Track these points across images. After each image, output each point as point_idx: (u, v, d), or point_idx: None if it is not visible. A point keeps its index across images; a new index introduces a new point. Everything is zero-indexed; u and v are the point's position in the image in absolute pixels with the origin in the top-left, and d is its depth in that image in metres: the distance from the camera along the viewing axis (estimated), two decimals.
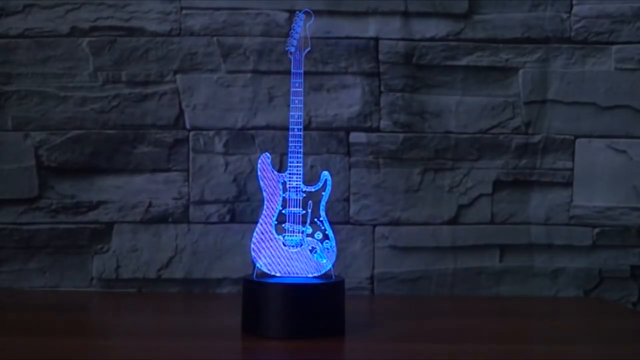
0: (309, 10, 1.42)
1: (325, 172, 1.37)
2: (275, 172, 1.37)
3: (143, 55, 1.72)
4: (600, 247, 1.73)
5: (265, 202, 1.36)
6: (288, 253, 1.34)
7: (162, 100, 1.72)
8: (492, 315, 1.53)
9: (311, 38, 1.41)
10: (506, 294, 1.73)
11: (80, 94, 1.71)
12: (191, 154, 1.72)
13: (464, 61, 1.73)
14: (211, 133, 1.72)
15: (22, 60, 1.71)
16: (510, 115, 1.74)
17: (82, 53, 1.71)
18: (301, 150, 1.36)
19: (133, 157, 1.72)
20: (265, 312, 1.28)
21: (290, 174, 1.36)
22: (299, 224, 1.35)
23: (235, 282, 1.71)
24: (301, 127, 1.36)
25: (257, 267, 1.34)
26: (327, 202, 1.36)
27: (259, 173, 1.37)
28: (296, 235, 1.34)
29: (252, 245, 1.35)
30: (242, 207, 1.72)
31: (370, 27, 1.72)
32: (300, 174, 1.36)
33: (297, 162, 1.36)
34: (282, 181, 1.36)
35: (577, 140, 1.74)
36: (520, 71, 1.73)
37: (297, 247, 1.34)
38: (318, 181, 1.37)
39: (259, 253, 1.34)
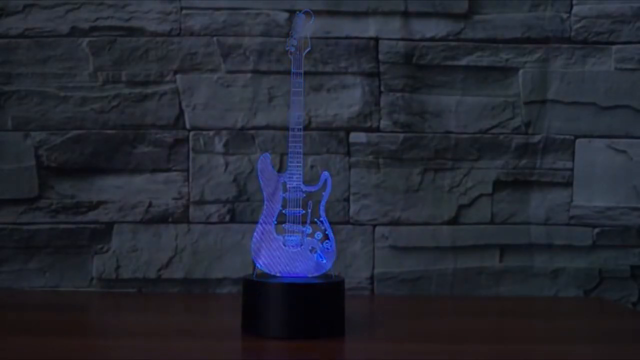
0: (309, 10, 1.42)
1: (326, 172, 1.37)
2: (275, 172, 1.37)
3: (143, 55, 1.72)
4: (600, 247, 1.73)
5: (265, 202, 1.36)
6: (288, 253, 1.34)
7: (162, 100, 1.72)
8: (492, 315, 1.53)
9: (311, 38, 1.41)
10: (506, 294, 1.73)
11: (80, 94, 1.72)
12: (191, 154, 1.72)
13: (464, 61, 1.73)
14: (211, 133, 1.72)
15: (22, 60, 1.71)
16: (510, 115, 1.74)
17: (82, 53, 1.71)
18: (301, 150, 1.36)
19: (133, 157, 1.72)
20: (265, 312, 1.28)
21: (290, 174, 1.36)
22: (299, 224, 1.35)
23: (235, 282, 1.71)
24: (301, 127, 1.36)
25: (257, 267, 1.34)
26: (327, 202, 1.36)
27: (259, 173, 1.37)
28: (296, 235, 1.34)
29: (252, 245, 1.35)
30: (242, 207, 1.72)
31: (370, 27, 1.72)
32: (300, 174, 1.36)
33: (297, 162, 1.36)
34: (282, 181, 1.36)
35: (577, 141, 1.74)
36: (520, 71, 1.73)
37: (297, 247, 1.34)
38: (318, 181, 1.37)
39: (258, 253, 1.34)
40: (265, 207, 1.36)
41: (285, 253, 1.34)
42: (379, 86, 1.73)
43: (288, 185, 1.36)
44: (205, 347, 1.21)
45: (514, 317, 1.51)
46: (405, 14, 1.72)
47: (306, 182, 1.37)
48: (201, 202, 1.72)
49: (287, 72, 1.43)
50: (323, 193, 1.36)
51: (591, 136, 1.74)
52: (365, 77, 1.73)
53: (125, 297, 1.69)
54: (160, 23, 1.71)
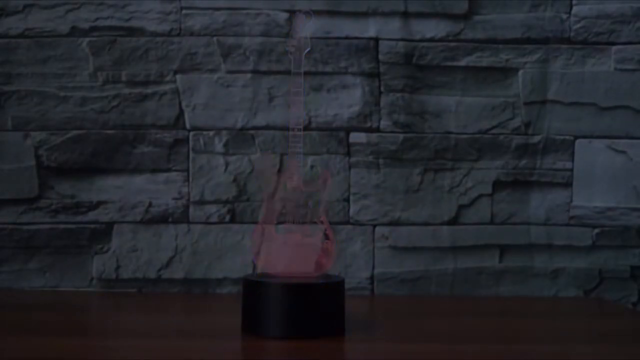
0: (309, 11, 1.42)
1: (326, 172, 1.37)
2: (276, 172, 1.37)
3: (143, 55, 1.72)
4: (600, 247, 1.73)
5: (265, 202, 1.36)
6: (288, 253, 1.34)
7: (162, 100, 1.72)
8: (492, 315, 1.53)
9: (311, 38, 1.41)
10: (506, 294, 1.73)
11: (80, 94, 1.72)
12: (191, 154, 1.72)
13: (463, 61, 1.73)
14: (211, 133, 1.72)
15: (22, 60, 1.71)
16: (510, 115, 1.74)
17: (82, 53, 1.71)
18: (301, 150, 1.36)
19: (133, 157, 1.72)
20: (265, 312, 1.27)
21: (290, 174, 1.36)
22: (298, 224, 1.35)
23: (235, 282, 1.71)
24: (301, 127, 1.36)
25: (257, 267, 1.34)
26: (327, 202, 1.36)
27: (258, 173, 1.37)
28: (296, 235, 1.34)
29: (252, 246, 1.35)
30: (242, 207, 1.72)
31: (370, 28, 1.72)
32: (300, 174, 1.36)
33: (297, 162, 1.36)
34: (282, 181, 1.36)
35: (577, 141, 1.74)
36: (520, 72, 1.73)
37: (297, 247, 1.34)
38: (318, 181, 1.37)
39: (259, 253, 1.34)
40: (265, 207, 1.36)
41: (285, 253, 1.34)
42: (379, 86, 1.73)
43: (288, 186, 1.36)
44: (205, 347, 1.21)
45: (514, 317, 1.51)
46: (405, 14, 1.72)
47: (306, 182, 1.37)
48: (201, 202, 1.72)
49: (287, 72, 1.43)
50: (323, 193, 1.36)
51: (591, 137, 1.74)
52: (365, 78, 1.73)
53: (125, 297, 1.69)
54: (160, 23, 1.71)
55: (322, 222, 1.35)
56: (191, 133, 1.72)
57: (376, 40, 1.72)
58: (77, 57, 1.72)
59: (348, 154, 1.73)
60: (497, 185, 1.74)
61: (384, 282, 1.72)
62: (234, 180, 1.72)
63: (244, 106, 1.72)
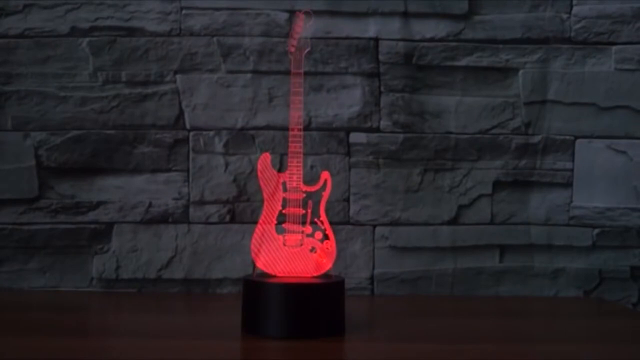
0: (309, 11, 1.42)
1: (326, 172, 1.37)
2: (276, 172, 1.37)
3: (143, 55, 1.72)
4: (600, 247, 1.73)
5: (265, 202, 1.37)
6: (288, 253, 1.34)
7: (162, 100, 1.72)
8: (492, 315, 1.53)
9: (311, 38, 1.41)
10: (506, 294, 1.73)
11: (80, 94, 1.71)
12: (191, 154, 1.72)
13: (463, 62, 1.73)
14: (211, 133, 1.72)
15: (22, 60, 1.71)
16: (510, 115, 1.74)
17: (82, 53, 1.71)
18: (301, 150, 1.36)
19: (133, 157, 1.72)
20: (265, 312, 1.27)
21: (290, 174, 1.36)
22: (299, 224, 1.35)
23: (235, 282, 1.71)
24: (301, 127, 1.36)
25: (257, 267, 1.34)
26: (327, 202, 1.36)
27: (258, 173, 1.38)
28: (296, 236, 1.34)
29: (252, 245, 1.35)
30: (242, 207, 1.72)
31: (371, 28, 1.72)
32: (300, 174, 1.36)
33: (297, 162, 1.36)
34: (282, 181, 1.37)
35: (577, 141, 1.74)
36: (520, 72, 1.73)
37: (297, 247, 1.34)
38: (318, 181, 1.37)
39: (258, 253, 1.35)
40: (265, 207, 1.36)
41: (285, 253, 1.34)
42: (379, 86, 1.73)
43: (288, 186, 1.36)
44: (205, 347, 1.21)
45: (514, 317, 1.51)
46: (405, 15, 1.72)
47: (306, 182, 1.37)
48: (201, 202, 1.72)
49: (287, 72, 1.43)
50: (323, 193, 1.36)
51: (591, 137, 1.74)
52: (366, 78, 1.73)
53: (125, 297, 1.69)
54: (160, 23, 1.71)
55: (322, 222, 1.35)
56: (191, 133, 1.72)
57: (376, 40, 1.72)
58: (77, 57, 1.72)
59: (348, 154, 1.73)
60: (497, 185, 1.74)
61: (384, 282, 1.72)
62: (234, 180, 1.72)
63: (244, 106, 1.72)
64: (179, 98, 1.72)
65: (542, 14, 1.73)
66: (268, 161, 1.38)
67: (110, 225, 1.72)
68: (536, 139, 1.74)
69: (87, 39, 1.71)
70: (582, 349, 1.26)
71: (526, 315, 1.55)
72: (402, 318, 1.47)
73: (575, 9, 1.73)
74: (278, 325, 1.27)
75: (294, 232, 1.35)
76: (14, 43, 1.71)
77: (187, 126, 1.72)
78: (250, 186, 1.71)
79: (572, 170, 1.74)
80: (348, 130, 1.73)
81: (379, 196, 1.73)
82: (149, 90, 1.72)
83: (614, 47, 1.73)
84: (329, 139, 1.73)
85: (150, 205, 1.72)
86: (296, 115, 1.37)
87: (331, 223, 1.36)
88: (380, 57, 1.72)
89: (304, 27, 1.42)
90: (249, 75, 1.72)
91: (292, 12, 1.70)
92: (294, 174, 1.36)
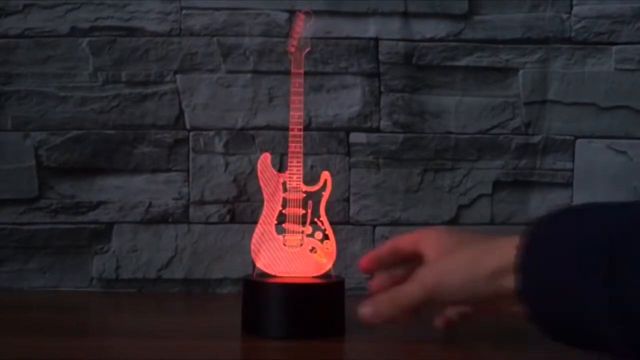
0: (309, 11, 1.42)
1: (326, 172, 1.37)
2: (275, 172, 1.37)
3: (143, 55, 1.72)
4: None
5: (265, 202, 1.37)
6: (288, 253, 1.34)
7: (162, 100, 1.72)
8: (491, 315, 1.52)
9: (311, 38, 1.41)
10: None
11: (80, 94, 1.71)
12: (191, 154, 1.72)
13: (463, 62, 1.73)
14: (211, 133, 1.72)
15: (22, 60, 1.71)
16: (510, 115, 1.74)
17: (82, 53, 1.71)
18: (301, 150, 1.36)
19: (133, 157, 1.72)
20: (265, 312, 1.28)
21: (290, 174, 1.36)
22: (298, 224, 1.35)
23: (235, 282, 1.71)
24: (301, 127, 1.36)
25: (257, 268, 1.34)
26: (327, 202, 1.36)
27: (258, 173, 1.38)
28: (296, 235, 1.34)
29: (252, 246, 1.35)
30: (242, 208, 1.72)
31: (371, 28, 1.72)
32: (300, 174, 1.36)
33: (297, 162, 1.36)
34: (282, 181, 1.37)
35: (577, 141, 1.74)
36: (520, 72, 1.73)
37: (297, 247, 1.34)
38: (318, 181, 1.37)
39: (258, 253, 1.35)
40: (265, 207, 1.36)
41: (285, 253, 1.34)
42: (379, 86, 1.73)
43: (288, 186, 1.36)
44: (205, 347, 1.21)
45: (513, 317, 1.51)
46: (405, 15, 1.72)
47: (306, 182, 1.37)
48: (201, 203, 1.72)
49: (287, 72, 1.43)
50: (323, 193, 1.36)
51: (591, 137, 1.74)
52: (365, 78, 1.73)
53: (125, 297, 1.69)
54: (160, 23, 1.71)
55: (322, 222, 1.35)
56: (191, 133, 1.72)
57: (376, 40, 1.72)
58: (77, 57, 1.72)
59: (348, 154, 1.73)
60: (497, 185, 1.74)
61: None
62: (234, 180, 1.72)
63: (244, 106, 1.72)
64: (179, 98, 1.72)
65: (542, 14, 1.73)
66: (268, 161, 1.38)
67: (110, 225, 1.72)
68: (536, 139, 1.74)
69: (87, 39, 1.71)
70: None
71: None
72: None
73: (575, 9, 1.73)
74: (278, 325, 1.27)
75: (294, 232, 1.35)
76: (14, 43, 1.71)
77: (187, 126, 1.72)
78: (250, 186, 1.71)
79: (572, 170, 1.74)
80: (348, 130, 1.73)
81: (379, 196, 1.73)
82: (149, 90, 1.72)
83: (614, 47, 1.73)
84: (329, 139, 1.73)
85: (150, 205, 1.72)
86: (296, 115, 1.37)
87: (331, 223, 1.36)
88: (380, 57, 1.72)
89: (303, 27, 1.42)
90: (249, 75, 1.72)
91: (292, 12, 1.70)
92: (294, 174, 1.36)
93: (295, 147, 1.36)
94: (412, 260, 1.21)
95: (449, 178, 1.74)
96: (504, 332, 1.38)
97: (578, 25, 1.73)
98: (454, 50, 1.73)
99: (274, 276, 1.34)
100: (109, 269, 1.72)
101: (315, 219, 1.35)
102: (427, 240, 1.20)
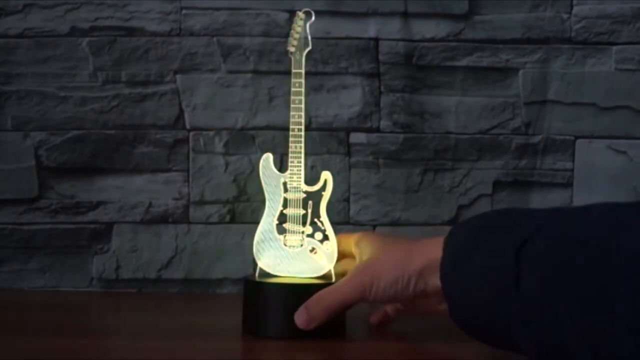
0: (309, 10, 1.42)
1: (326, 172, 1.37)
2: (277, 172, 1.37)
3: (143, 55, 1.72)
4: None
5: (267, 202, 1.37)
6: (289, 253, 1.34)
7: (162, 100, 1.72)
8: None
9: (312, 38, 1.41)
10: None
11: (80, 94, 1.71)
12: (191, 154, 1.72)
13: (463, 62, 1.73)
14: (211, 133, 1.72)
15: (22, 60, 1.71)
16: (510, 115, 1.74)
17: (82, 53, 1.71)
18: (302, 150, 1.36)
19: (133, 157, 1.72)
20: (265, 312, 1.27)
21: (291, 174, 1.36)
22: (299, 224, 1.35)
23: (235, 282, 1.71)
24: (302, 127, 1.36)
25: (259, 268, 1.34)
26: (328, 203, 1.36)
27: (260, 173, 1.37)
28: (296, 236, 1.34)
29: (254, 246, 1.35)
30: (243, 208, 1.72)
31: (371, 28, 1.72)
32: (301, 174, 1.36)
33: (298, 162, 1.36)
34: (283, 181, 1.37)
35: (577, 141, 1.74)
36: (520, 72, 1.73)
37: (297, 247, 1.34)
38: (318, 181, 1.37)
39: (260, 253, 1.34)
40: (267, 207, 1.36)
41: (286, 253, 1.34)
42: (379, 87, 1.73)
43: (288, 186, 1.36)
44: (205, 347, 1.21)
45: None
46: (405, 15, 1.72)
47: (306, 182, 1.37)
48: (201, 203, 1.72)
49: (288, 73, 1.42)
50: (323, 193, 1.36)
51: (591, 137, 1.74)
52: (366, 78, 1.73)
53: (125, 297, 1.69)
54: (160, 23, 1.71)
55: (322, 223, 1.35)
56: (191, 133, 1.72)
57: (376, 40, 1.72)
58: (77, 57, 1.71)
59: (348, 154, 1.73)
60: (497, 185, 1.74)
61: None
62: (234, 180, 1.72)
63: (244, 106, 1.72)
64: (179, 98, 1.72)
65: (542, 14, 1.73)
66: (270, 161, 1.38)
67: (110, 225, 1.72)
68: (536, 139, 1.74)
69: (87, 39, 1.71)
70: None
71: None
72: (403, 318, 1.47)
73: (575, 9, 1.73)
74: (278, 325, 1.26)
75: (294, 232, 1.35)
76: (14, 43, 1.71)
77: (187, 126, 1.72)
78: (250, 186, 1.71)
79: (572, 170, 1.74)
80: (348, 131, 1.73)
81: (379, 196, 1.72)
82: (149, 90, 1.72)
83: (614, 47, 1.73)
84: (329, 139, 1.73)
85: (150, 205, 1.72)
86: (296, 115, 1.37)
87: (331, 223, 1.35)
88: (380, 57, 1.72)
89: (303, 27, 1.42)
90: (249, 75, 1.72)
91: (292, 12, 1.70)
92: (295, 174, 1.36)
93: (296, 147, 1.36)
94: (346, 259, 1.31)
95: (449, 178, 1.74)
96: None
97: (578, 26, 1.73)
98: (454, 50, 1.73)
99: (275, 276, 1.34)
100: (109, 269, 1.72)
101: (316, 219, 1.35)
102: (363, 242, 1.28)
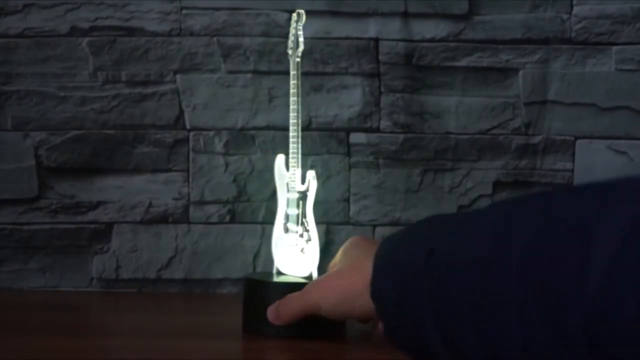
0: (300, 11, 1.43)
1: (311, 172, 1.37)
2: (285, 172, 1.39)
3: (143, 55, 1.72)
4: None
5: (279, 201, 1.39)
6: (289, 252, 1.35)
7: (162, 100, 1.72)
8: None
9: (311, 38, 1.42)
10: None
11: (80, 94, 1.71)
12: (191, 154, 1.72)
13: (464, 62, 1.73)
14: (211, 133, 1.72)
15: (22, 60, 1.71)
16: (510, 116, 1.74)
17: (82, 53, 1.71)
18: (298, 151, 1.37)
19: (133, 157, 1.72)
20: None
21: (291, 174, 1.37)
22: (296, 224, 1.36)
23: (235, 282, 1.71)
24: (297, 128, 1.37)
25: (275, 266, 1.37)
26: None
27: (275, 173, 1.40)
28: (294, 235, 1.36)
29: (272, 244, 1.37)
30: (242, 208, 1.72)
31: (371, 28, 1.72)
32: (298, 174, 1.37)
33: (294, 163, 1.38)
34: (287, 182, 1.38)
35: (578, 142, 1.74)
36: (521, 72, 1.73)
37: (293, 246, 1.36)
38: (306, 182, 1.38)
39: (274, 252, 1.37)
40: (278, 207, 1.39)
41: (288, 252, 1.35)
42: (379, 87, 1.73)
43: (289, 186, 1.37)
44: (205, 347, 1.21)
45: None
46: (405, 15, 1.72)
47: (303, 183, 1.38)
48: (201, 203, 1.72)
49: (288, 73, 1.43)
50: (307, 193, 1.37)
51: (591, 137, 1.74)
52: (366, 78, 1.73)
53: (125, 297, 1.69)
54: (160, 23, 1.71)
55: (307, 223, 1.35)
56: (191, 133, 1.72)
57: (376, 40, 1.72)
58: (77, 57, 1.71)
59: (348, 154, 1.73)
60: (497, 185, 1.74)
61: None
62: (234, 180, 1.72)
63: (244, 106, 1.72)
64: (179, 98, 1.72)
65: (542, 14, 1.73)
66: (282, 162, 1.40)
67: (110, 225, 1.72)
68: (536, 139, 1.74)
69: (87, 39, 1.71)
70: None
71: None
72: None
73: (575, 9, 1.73)
74: (279, 325, 1.26)
75: (292, 232, 1.36)
76: (14, 43, 1.71)
77: (187, 126, 1.72)
78: (250, 186, 1.71)
79: (572, 170, 1.74)
80: (348, 131, 1.73)
81: (379, 196, 1.72)
82: (149, 90, 1.72)
83: (615, 48, 1.73)
84: (329, 139, 1.73)
85: (150, 205, 1.72)
86: (292, 116, 1.38)
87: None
88: (381, 58, 1.72)
89: (295, 27, 1.43)
90: (249, 76, 1.72)
91: (292, 12, 1.70)
92: (293, 174, 1.37)
93: (294, 147, 1.38)
94: None
95: (449, 178, 1.74)
96: None
97: (578, 26, 1.73)
98: (454, 50, 1.73)
99: (276, 274, 1.35)
100: (108, 269, 1.72)
101: (303, 220, 1.36)
102: (344, 252, 1.25)
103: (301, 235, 1.34)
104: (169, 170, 1.73)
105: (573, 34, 1.73)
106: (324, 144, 1.72)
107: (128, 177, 1.73)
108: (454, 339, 0.82)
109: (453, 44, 1.73)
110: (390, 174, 1.73)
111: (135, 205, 1.72)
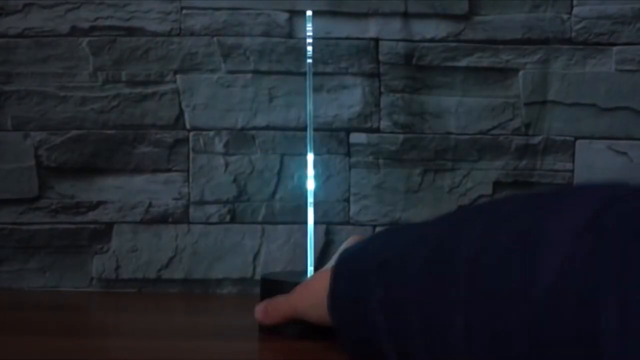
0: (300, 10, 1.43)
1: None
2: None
3: (143, 55, 1.72)
4: None
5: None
6: (287, 253, 1.35)
7: (162, 100, 1.72)
8: None
9: (312, 38, 1.42)
10: None
11: (80, 94, 1.71)
12: (191, 154, 1.72)
13: (464, 62, 1.73)
14: (211, 133, 1.72)
15: (22, 60, 1.71)
16: (510, 116, 1.74)
17: (82, 53, 1.71)
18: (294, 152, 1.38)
19: (133, 157, 1.72)
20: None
21: (291, 174, 1.37)
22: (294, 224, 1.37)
23: (235, 282, 1.71)
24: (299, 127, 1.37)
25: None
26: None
27: None
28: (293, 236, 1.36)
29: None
30: (243, 208, 1.72)
31: (371, 28, 1.72)
32: (299, 175, 1.37)
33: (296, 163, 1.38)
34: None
35: (578, 142, 1.74)
36: (521, 72, 1.73)
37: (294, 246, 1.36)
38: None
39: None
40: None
41: (284, 253, 1.36)
42: (379, 87, 1.73)
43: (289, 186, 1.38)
44: (205, 347, 1.22)
45: None
46: (406, 15, 1.72)
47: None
48: (201, 203, 1.72)
49: (288, 73, 1.43)
50: None
51: (591, 137, 1.74)
52: (366, 78, 1.73)
53: (125, 297, 1.69)
54: (160, 23, 1.71)
55: None
56: (191, 133, 1.72)
57: (376, 40, 1.72)
58: (77, 57, 1.71)
59: (348, 154, 1.73)
60: (497, 185, 1.74)
61: None
62: (234, 180, 1.72)
63: (244, 106, 1.72)
64: (179, 98, 1.72)
65: (542, 14, 1.73)
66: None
67: (110, 225, 1.72)
68: (536, 139, 1.74)
69: (87, 39, 1.71)
70: None
71: None
72: None
73: (575, 10, 1.73)
74: (293, 326, 1.25)
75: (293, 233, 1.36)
76: (14, 43, 1.71)
77: (187, 126, 1.72)
78: (251, 186, 1.71)
79: (572, 171, 1.74)
80: (348, 131, 1.73)
81: (379, 196, 1.72)
82: (149, 90, 1.72)
83: (615, 48, 1.73)
84: (329, 139, 1.73)
85: (150, 205, 1.72)
86: (296, 116, 1.38)
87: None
88: (381, 58, 1.72)
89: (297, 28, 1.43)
90: (249, 75, 1.72)
91: (292, 12, 1.70)
92: (294, 175, 1.38)
93: (295, 147, 1.38)
94: None
95: (449, 178, 1.74)
96: None
97: (578, 26, 1.73)
98: (454, 50, 1.73)
99: (278, 274, 1.36)
100: (108, 269, 1.72)
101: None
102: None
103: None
104: (169, 170, 1.73)
105: (573, 34, 1.73)
106: (324, 144, 1.72)
107: (128, 177, 1.73)
108: (405, 344, 0.82)
109: (453, 44, 1.73)
110: (391, 174, 1.73)
111: (135, 205, 1.72)
